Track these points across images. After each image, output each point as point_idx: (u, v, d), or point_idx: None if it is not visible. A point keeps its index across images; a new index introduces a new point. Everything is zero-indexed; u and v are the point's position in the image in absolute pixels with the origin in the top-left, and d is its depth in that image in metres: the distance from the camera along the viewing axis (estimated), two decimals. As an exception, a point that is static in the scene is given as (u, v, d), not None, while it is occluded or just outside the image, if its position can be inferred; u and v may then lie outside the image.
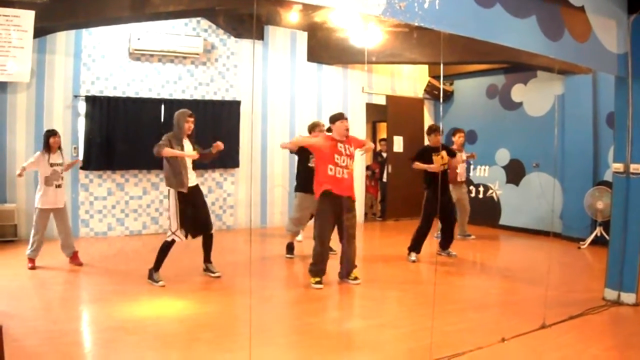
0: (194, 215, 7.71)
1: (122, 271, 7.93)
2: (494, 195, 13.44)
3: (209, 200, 12.03)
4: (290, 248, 9.63)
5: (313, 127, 9.32)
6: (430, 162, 9.17)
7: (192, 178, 7.71)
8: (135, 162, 11.19)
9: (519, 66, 12.01)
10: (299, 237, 10.45)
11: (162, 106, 11.48)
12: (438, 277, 8.19)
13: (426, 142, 10.53)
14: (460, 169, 11.10)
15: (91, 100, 10.89)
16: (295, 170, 9.60)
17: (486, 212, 13.49)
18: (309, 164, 8.93)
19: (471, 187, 13.88)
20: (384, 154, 14.79)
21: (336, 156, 7.58)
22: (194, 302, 6.88)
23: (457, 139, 11.14)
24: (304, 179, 8.98)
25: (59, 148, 8.62)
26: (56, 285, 7.68)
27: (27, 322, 5.89)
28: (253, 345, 4.52)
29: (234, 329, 5.91)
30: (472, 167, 13.59)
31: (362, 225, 13.79)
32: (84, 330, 6.01)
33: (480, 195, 13.75)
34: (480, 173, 13.76)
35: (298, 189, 9.32)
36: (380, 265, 9.35)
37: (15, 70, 4.71)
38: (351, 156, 7.75)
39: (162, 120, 11.26)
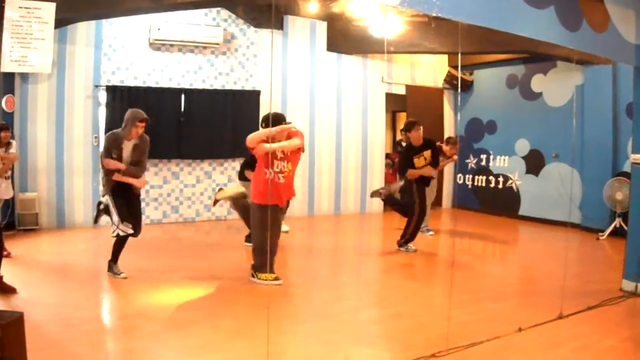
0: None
1: (141, 259, 8.00)
2: (513, 185, 13.40)
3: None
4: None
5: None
6: (413, 163, 9.20)
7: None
8: (156, 151, 11.16)
9: (538, 56, 11.94)
10: (285, 228, 10.17)
11: (182, 96, 11.54)
12: (455, 267, 8.21)
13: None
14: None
15: (112, 90, 10.98)
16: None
17: (505, 202, 13.49)
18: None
19: (490, 177, 13.88)
20: (404, 144, 14.75)
21: (275, 161, 7.19)
22: (212, 290, 6.93)
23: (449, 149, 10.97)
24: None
25: (8, 143, 8.28)
26: (77, 273, 7.76)
27: (49, 309, 5.97)
28: (271, 333, 4.56)
29: (253, 316, 5.93)
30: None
31: (382, 215, 13.81)
32: (104, 317, 6.09)
33: (500, 186, 13.72)
34: (500, 163, 13.73)
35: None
36: (397, 255, 9.36)
37: (37, 62, 4.76)
38: (288, 159, 7.29)
39: (183, 110, 11.32)
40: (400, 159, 9.61)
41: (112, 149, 7.12)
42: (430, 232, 11.14)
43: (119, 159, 7.17)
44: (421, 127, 9.37)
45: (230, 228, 11.24)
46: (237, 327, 5.57)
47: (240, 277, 7.49)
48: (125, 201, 7.33)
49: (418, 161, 9.25)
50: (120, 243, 7.38)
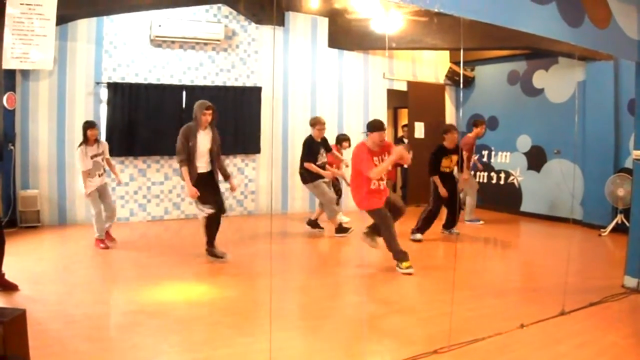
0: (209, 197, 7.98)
1: (144, 256, 8.02)
2: (515, 181, 13.38)
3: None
4: (341, 229, 10.04)
5: (314, 124, 9.88)
6: (440, 164, 9.85)
7: (203, 165, 7.94)
8: (157, 148, 11.27)
9: (540, 52, 11.92)
10: (346, 219, 10.72)
11: (184, 92, 11.54)
12: (458, 263, 8.21)
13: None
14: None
15: (113, 87, 10.97)
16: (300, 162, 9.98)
17: (507, 198, 13.46)
18: (317, 162, 9.69)
19: (492, 174, 13.86)
20: (405, 140, 14.77)
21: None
22: (214, 287, 6.94)
23: (480, 129, 11.27)
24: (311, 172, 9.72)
25: (97, 139, 8.86)
26: (79, 269, 7.76)
27: (51, 306, 5.98)
28: (273, 329, 4.56)
29: (255, 313, 5.95)
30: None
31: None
32: (106, 314, 6.09)
33: (502, 182, 13.70)
34: (501, 159, 13.71)
35: (311, 179, 9.86)
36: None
37: (39, 58, 4.76)
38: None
39: (184, 106, 11.33)
40: (431, 160, 9.97)
41: (189, 137, 7.81)
42: (480, 222, 11.75)
43: (194, 147, 7.80)
44: (457, 132, 10.05)
45: (232, 224, 11.24)
46: (239, 323, 5.59)
47: (242, 273, 7.52)
48: (207, 188, 7.88)
49: (446, 162, 9.88)
50: (208, 226, 7.97)
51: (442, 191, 9.70)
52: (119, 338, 5.31)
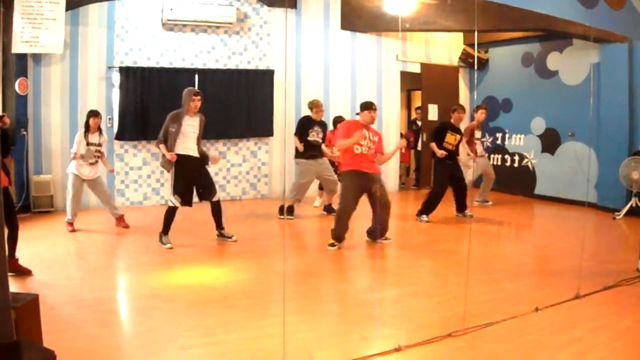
0: (196, 183, 8.25)
1: (157, 240, 8.02)
2: (529, 164, 13.32)
3: (243, 168, 12.13)
4: (290, 211, 10.27)
5: (312, 107, 10.13)
6: (444, 137, 10.11)
7: (192, 149, 8.07)
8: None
9: (554, 34, 11.81)
10: (316, 203, 11.47)
11: (196, 76, 11.52)
12: (472, 246, 8.17)
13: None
14: (478, 146, 11.60)
15: (125, 71, 10.96)
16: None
17: (521, 181, 13.41)
18: (309, 138, 9.92)
19: (506, 156, 13.81)
20: (419, 123, 14.71)
21: (361, 140, 7.99)
22: (227, 270, 6.96)
23: (479, 115, 11.43)
24: (305, 148, 9.98)
25: (99, 129, 8.99)
26: (92, 254, 7.78)
27: (64, 290, 5.99)
28: (287, 313, 4.55)
29: (268, 296, 5.96)
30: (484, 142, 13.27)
31: (397, 194, 13.75)
32: (119, 298, 6.11)
33: (516, 164, 13.64)
34: (515, 142, 13.64)
35: (298, 156, 10.15)
36: (414, 234, 9.35)
37: (49, 42, 4.77)
38: (373, 142, 8.13)
39: (196, 89, 11.30)
40: (435, 129, 10.42)
41: (172, 123, 7.95)
42: (489, 203, 12.02)
43: (177, 132, 7.91)
44: (464, 114, 10.38)
45: (245, 208, 11.24)
46: (252, 306, 5.58)
47: (254, 256, 7.51)
48: (190, 174, 8.08)
49: (450, 137, 10.10)
50: (169, 214, 8.02)
51: (439, 152, 9.94)
52: (132, 322, 5.33)
